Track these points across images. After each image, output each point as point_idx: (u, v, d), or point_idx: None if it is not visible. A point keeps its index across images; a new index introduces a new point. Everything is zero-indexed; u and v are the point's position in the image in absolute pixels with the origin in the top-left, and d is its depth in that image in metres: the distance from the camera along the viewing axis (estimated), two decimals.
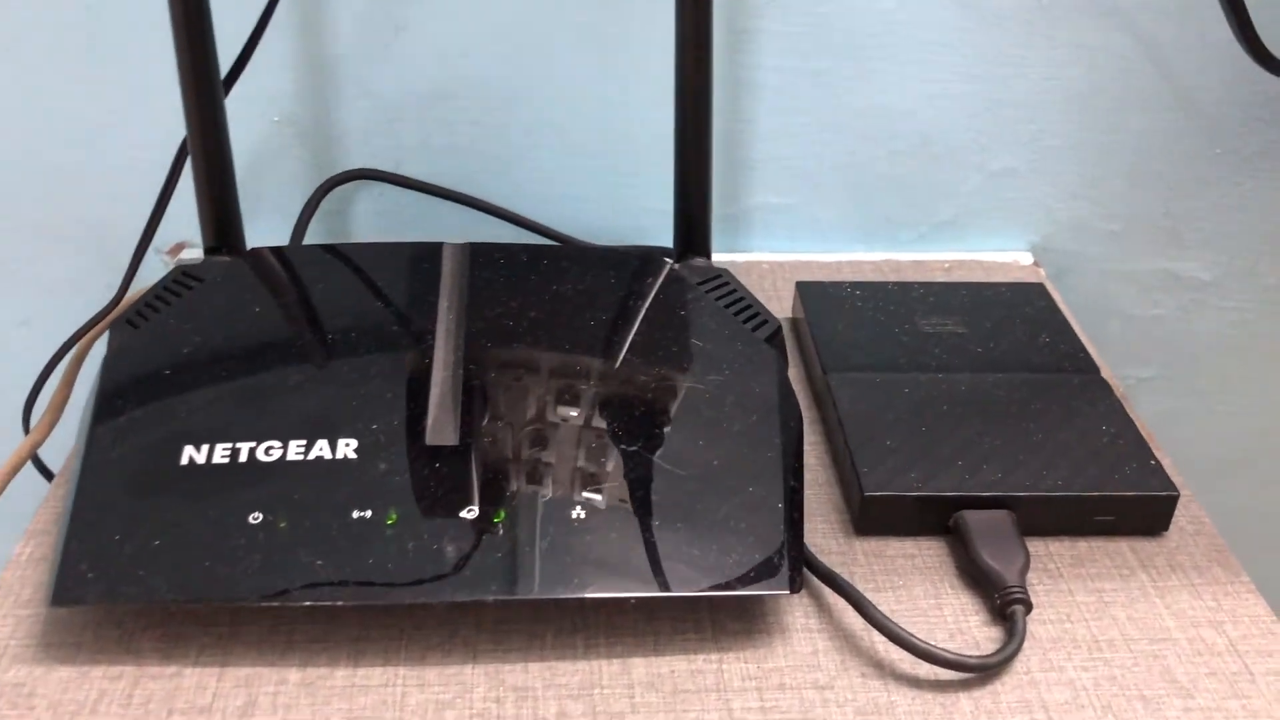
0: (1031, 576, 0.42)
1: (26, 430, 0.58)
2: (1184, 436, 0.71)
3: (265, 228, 0.59)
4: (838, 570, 0.42)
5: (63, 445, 0.67)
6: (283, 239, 0.58)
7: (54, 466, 0.60)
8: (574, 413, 0.42)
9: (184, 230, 0.60)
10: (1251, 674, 0.39)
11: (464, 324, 0.45)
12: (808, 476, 0.47)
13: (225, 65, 0.51)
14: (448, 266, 0.48)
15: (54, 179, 0.59)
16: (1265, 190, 0.62)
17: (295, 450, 0.40)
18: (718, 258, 0.57)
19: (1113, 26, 0.56)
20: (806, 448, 0.48)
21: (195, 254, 0.60)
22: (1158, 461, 0.45)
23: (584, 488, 0.40)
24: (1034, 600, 0.41)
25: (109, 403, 0.42)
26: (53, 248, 0.61)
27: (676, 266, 0.50)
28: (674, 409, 0.43)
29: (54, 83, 0.56)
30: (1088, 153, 0.60)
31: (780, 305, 0.58)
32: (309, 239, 0.58)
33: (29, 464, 0.56)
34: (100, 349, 0.57)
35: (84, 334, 0.55)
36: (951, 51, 0.57)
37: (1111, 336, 0.66)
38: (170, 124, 0.56)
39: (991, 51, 0.57)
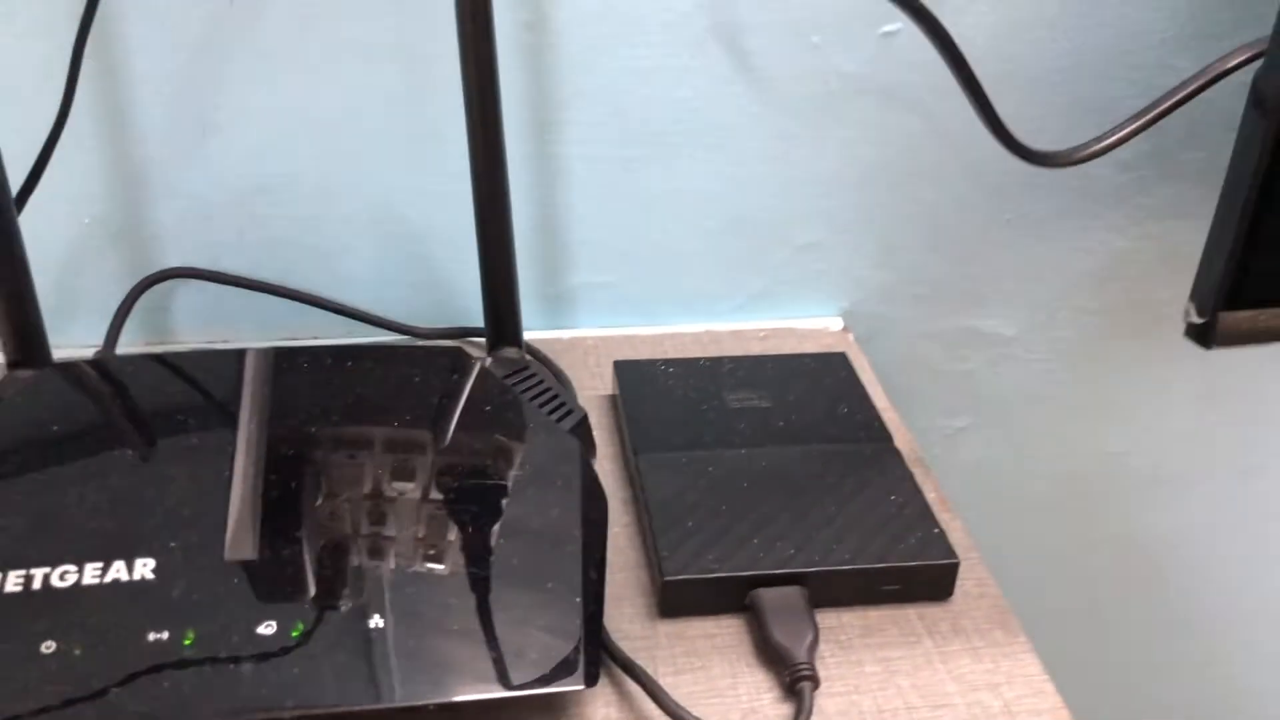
0: (824, 648, 0.44)
1: None
2: (1001, 482, 0.74)
3: (83, 330, 0.59)
4: (641, 654, 0.43)
5: None
6: (100, 340, 0.58)
7: None
8: (376, 523, 0.43)
9: None
10: None
11: (265, 432, 0.46)
12: (620, 559, 0.48)
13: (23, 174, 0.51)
14: (250, 373, 0.48)
15: None
16: (1054, 251, 0.66)
17: (91, 574, 0.41)
18: (543, 336, 0.59)
19: (897, 106, 0.60)
20: (620, 529, 0.50)
21: None
22: (941, 530, 0.48)
23: (381, 599, 0.41)
24: (823, 673, 0.43)
25: None
26: None
27: (485, 361, 0.51)
28: (475, 511, 0.44)
29: None
30: (886, 223, 0.63)
31: (603, 382, 0.60)
32: (129, 338, 0.58)
33: None
34: None
35: None
36: (748, 135, 0.59)
37: (925, 391, 0.70)
38: None
39: (786, 133, 0.60)
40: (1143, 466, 0.76)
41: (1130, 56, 0.60)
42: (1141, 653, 0.86)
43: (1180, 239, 0.67)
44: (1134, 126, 0.51)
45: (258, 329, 0.60)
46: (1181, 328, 0.69)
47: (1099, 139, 0.51)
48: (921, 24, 0.43)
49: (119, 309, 0.57)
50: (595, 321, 0.65)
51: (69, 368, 0.49)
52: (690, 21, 0.56)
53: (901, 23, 0.57)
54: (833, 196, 0.62)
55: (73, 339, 0.59)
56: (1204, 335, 0.53)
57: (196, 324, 0.60)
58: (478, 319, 0.62)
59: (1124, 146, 0.62)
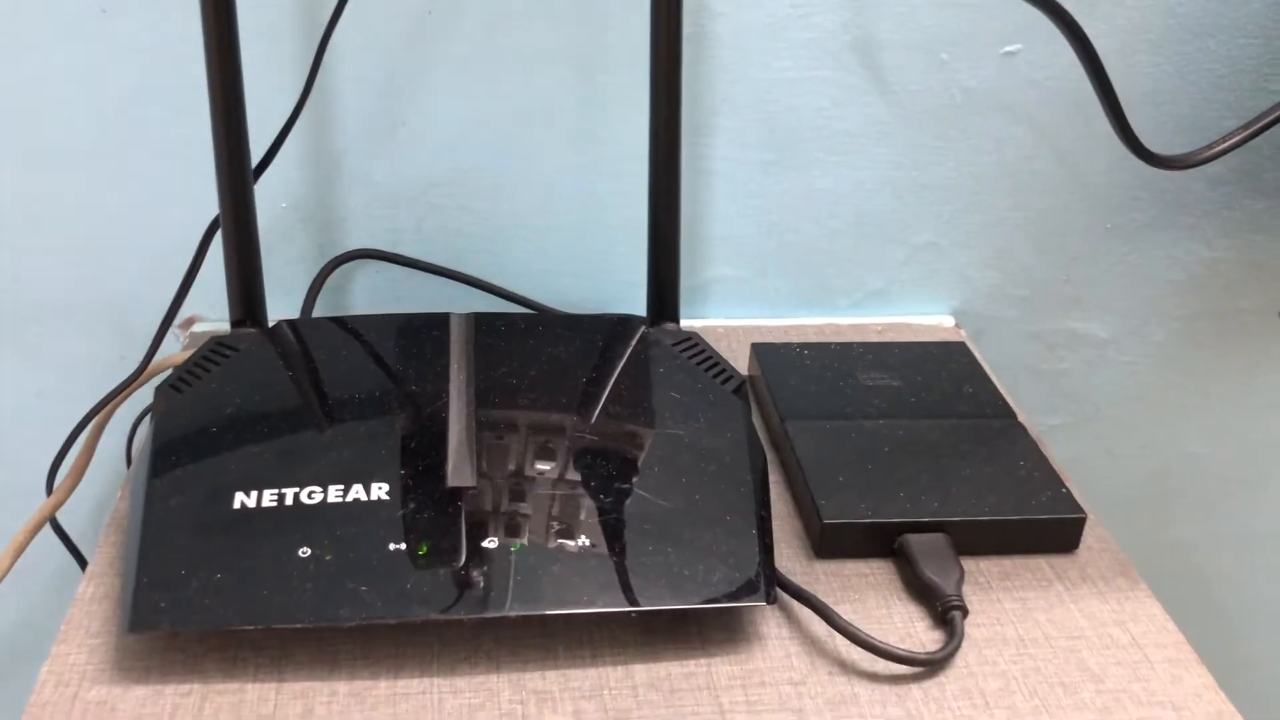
0: (966, 588, 0.50)
1: (49, 493, 0.63)
2: (1089, 477, 0.79)
3: (273, 303, 0.65)
4: (804, 587, 0.49)
5: (79, 508, 0.72)
6: (291, 313, 0.64)
7: (70, 529, 0.65)
8: (574, 459, 0.49)
9: (189, 307, 0.66)
10: (1150, 662, 0.47)
11: (473, 382, 0.52)
12: (773, 511, 0.54)
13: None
14: (455, 333, 0.55)
15: (69, 259, 0.64)
16: (1149, 259, 0.71)
17: (335, 494, 0.46)
18: (682, 324, 0.65)
19: (1014, 120, 0.66)
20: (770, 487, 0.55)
21: (205, 328, 0.66)
22: (1068, 490, 0.53)
23: (585, 523, 0.46)
24: (969, 607, 0.48)
25: (164, 457, 0.48)
26: (67, 323, 0.66)
27: (651, 331, 0.57)
28: (659, 455, 0.50)
29: (79, 171, 0.62)
30: (997, 229, 0.69)
31: (737, 364, 0.65)
32: (315, 314, 0.64)
33: (47, 527, 0.61)
34: (118, 419, 0.62)
35: (106, 404, 0.61)
36: (878, 143, 0.65)
37: (1024, 389, 0.75)
38: (174, 211, 0.62)
39: (912, 142, 0.66)
40: (1224, 469, 0.81)
41: (1226, 80, 0.66)
42: (1217, 652, 0.90)
43: (1265, 250, 0.72)
44: (1241, 136, 0.57)
45: (424, 309, 0.67)
46: (1264, 336, 0.74)
47: (1209, 146, 0.56)
48: (1068, 33, 0.49)
49: (313, 283, 0.63)
50: (725, 313, 0.70)
51: (295, 325, 0.55)
52: (833, 38, 0.62)
53: (1022, 44, 0.63)
54: (949, 202, 0.68)
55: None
56: None
57: (370, 302, 0.67)
58: (627, 305, 0.68)
59: (1216, 164, 0.67)
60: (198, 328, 0.66)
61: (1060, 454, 0.78)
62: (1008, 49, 0.63)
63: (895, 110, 0.65)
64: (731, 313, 0.70)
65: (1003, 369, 0.74)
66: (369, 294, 0.66)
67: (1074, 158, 0.67)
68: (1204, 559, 0.85)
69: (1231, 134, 0.57)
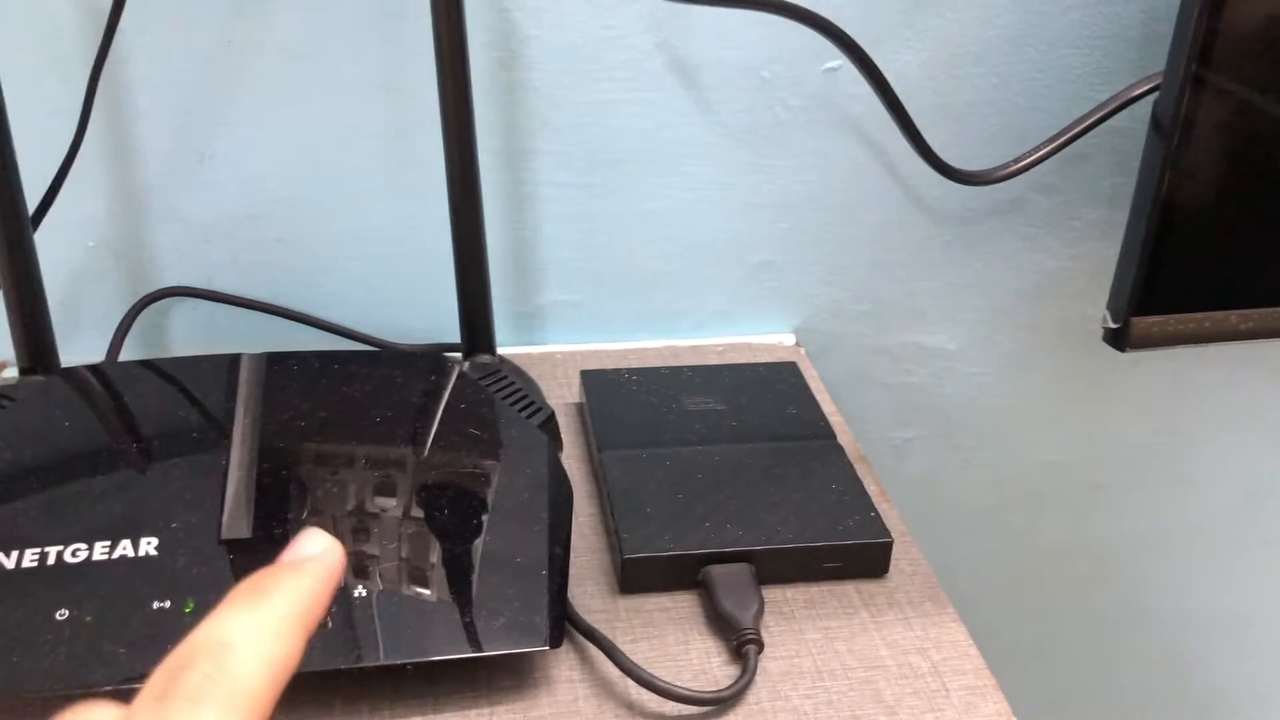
0: (769, 619, 0.49)
1: None
2: (946, 489, 0.79)
3: (86, 345, 0.63)
4: (602, 625, 0.48)
5: None
6: (103, 355, 0.62)
7: None
8: (359, 506, 0.48)
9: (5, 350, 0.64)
10: (947, 690, 0.46)
11: (258, 427, 0.50)
12: (585, 545, 0.53)
13: (36, 198, 0.56)
14: (244, 375, 0.53)
15: None
16: (991, 270, 0.71)
17: (100, 550, 0.45)
18: (515, 351, 0.64)
19: (840, 136, 0.65)
20: (586, 519, 0.54)
21: (11, 374, 0.64)
22: (877, 513, 0.52)
23: (365, 570, 0.45)
24: (767, 640, 0.48)
25: None
26: None
27: (461, 365, 0.56)
28: (451, 495, 0.48)
29: None
30: (833, 245, 0.68)
31: (570, 391, 0.64)
32: (128, 353, 0.62)
33: None
34: None
35: None
36: (704, 163, 0.65)
37: (874, 404, 0.74)
38: None
39: (738, 161, 0.65)
40: (1079, 475, 0.81)
41: (1051, 90, 0.65)
42: (1079, 655, 0.90)
43: (1106, 260, 0.72)
44: (1048, 149, 0.57)
45: (248, 345, 0.65)
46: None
47: (1016, 160, 0.56)
48: (855, 61, 0.48)
49: (120, 324, 0.61)
50: (564, 338, 0.69)
51: (77, 372, 0.53)
52: (650, 58, 0.61)
53: (841, 60, 0.63)
54: (783, 220, 0.67)
55: (76, 353, 0.63)
56: (1119, 339, 0.58)
57: (191, 340, 0.65)
58: (451, 335, 0.67)
59: (1052, 174, 0.67)
60: (7, 372, 0.64)
61: (916, 467, 0.78)
62: (828, 65, 0.63)
63: (719, 129, 0.64)
64: (568, 338, 0.69)
65: (850, 385, 0.73)
66: (187, 331, 0.65)
67: (904, 172, 0.67)
68: (1066, 564, 0.85)
69: (1039, 146, 0.56)
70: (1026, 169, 0.56)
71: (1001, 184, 0.68)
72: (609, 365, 0.67)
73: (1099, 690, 0.91)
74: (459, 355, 0.58)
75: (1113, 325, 0.59)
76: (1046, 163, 0.65)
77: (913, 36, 0.63)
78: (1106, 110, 0.56)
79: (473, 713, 0.44)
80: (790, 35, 0.62)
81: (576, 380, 0.65)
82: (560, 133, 0.63)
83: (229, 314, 0.64)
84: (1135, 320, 0.58)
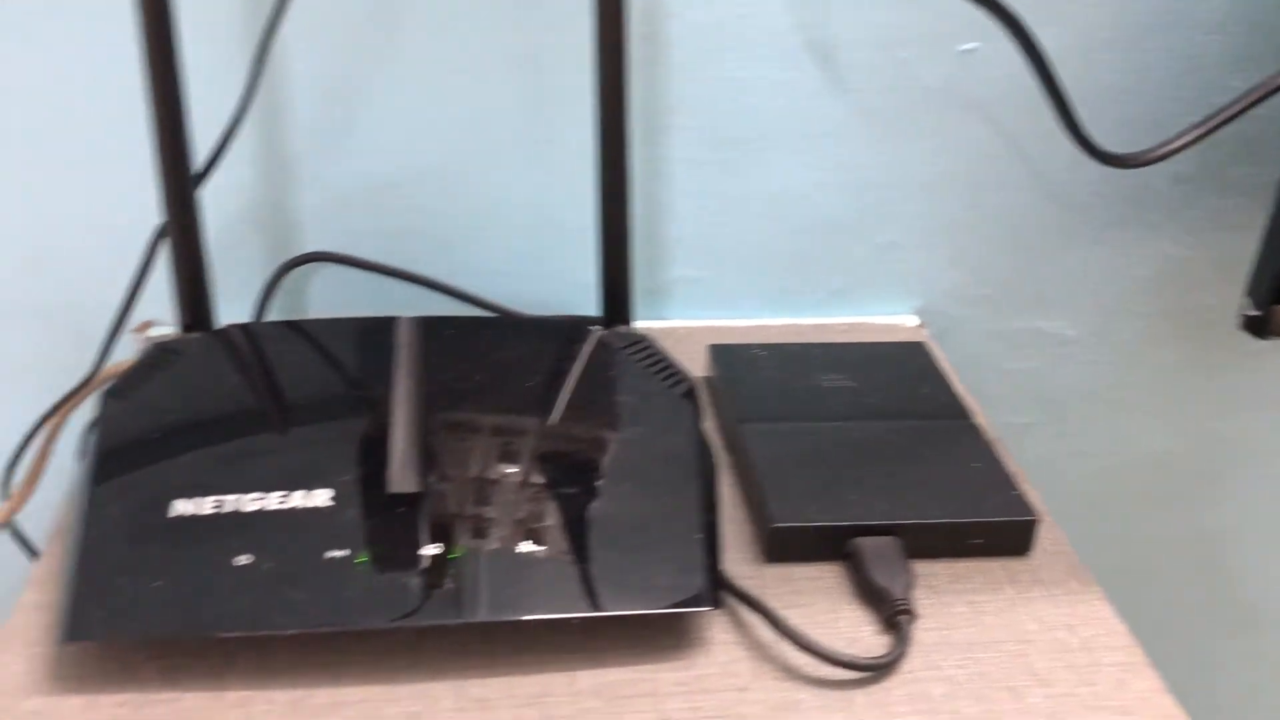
0: (916, 593, 0.49)
1: (3, 499, 0.62)
2: (1057, 477, 0.79)
3: (227, 308, 0.65)
4: (750, 591, 0.48)
5: (38, 511, 0.71)
6: (245, 317, 0.63)
7: (29, 532, 0.65)
8: (515, 465, 0.49)
9: (148, 310, 0.66)
10: (1099, 666, 0.46)
11: (419, 387, 0.51)
12: (724, 515, 0.53)
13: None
14: (402, 337, 0.54)
15: (27, 263, 0.64)
16: (1114, 257, 0.71)
17: (275, 500, 0.46)
18: (640, 325, 0.64)
19: (973, 119, 0.65)
20: (721, 490, 0.55)
21: (161, 332, 0.66)
22: (1019, 492, 0.52)
23: (527, 529, 0.46)
24: (918, 612, 0.48)
25: (105, 464, 0.47)
26: (23, 327, 0.66)
27: (603, 334, 0.57)
28: (604, 459, 0.49)
29: (33, 174, 0.61)
30: (959, 228, 0.69)
31: (696, 366, 0.65)
32: (270, 317, 0.64)
33: (4, 531, 0.60)
34: (74, 422, 0.62)
35: (59, 409, 0.60)
36: (836, 143, 0.65)
37: (990, 388, 0.75)
38: (136, 213, 0.62)
39: (871, 142, 0.65)
40: (1192, 466, 0.81)
41: (1187, 77, 0.65)
42: (1186, 650, 0.89)
43: (1229, 249, 0.72)
44: (1196, 134, 0.57)
45: (384, 311, 0.66)
46: (1230, 331, 0.74)
47: (1164, 144, 0.56)
48: (1014, 34, 0.48)
49: (265, 287, 0.62)
50: (687, 314, 0.70)
51: (237, 330, 0.55)
52: (787, 37, 0.62)
53: (979, 42, 0.63)
54: (911, 201, 0.67)
55: (220, 316, 0.64)
56: (1259, 327, 0.58)
57: (328, 305, 0.66)
58: (584, 307, 0.68)
59: (1179, 162, 0.67)
60: (155, 331, 0.66)
61: (1028, 453, 0.78)
62: (965, 47, 0.63)
63: (853, 109, 0.64)
64: (692, 314, 0.70)
65: (968, 368, 0.74)
66: (324, 296, 0.66)
67: (1035, 155, 0.67)
68: (1172, 556, 0.85)
69: (1185, 132, 0.56)
70: (1172, 154, 0.56)
71: (1130, 172, 0.68)
72: (731, 341, 0.67)
73: (1205, 687, 0.90)
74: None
75: (1254, 313, 0.59)
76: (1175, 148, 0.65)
77: (1049, 20, 0.62)
78: (1255, 97, 0.56)
79: (634, 670, 0.45)
80: (928, 17, 0.62)
81: (700, 355, 0.66)
82: (695, 110, 0.63)
83: (366, 280, 0.65)
84: (1276, 307, 0.58)
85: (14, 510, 0.59)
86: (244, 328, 0.55)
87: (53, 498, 0.71)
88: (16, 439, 0.63)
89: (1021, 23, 0.49)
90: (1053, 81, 0.52)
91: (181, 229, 0.53)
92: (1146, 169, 0.68)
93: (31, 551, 0.65)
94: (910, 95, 0.64)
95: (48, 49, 0.58)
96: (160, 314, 0.66)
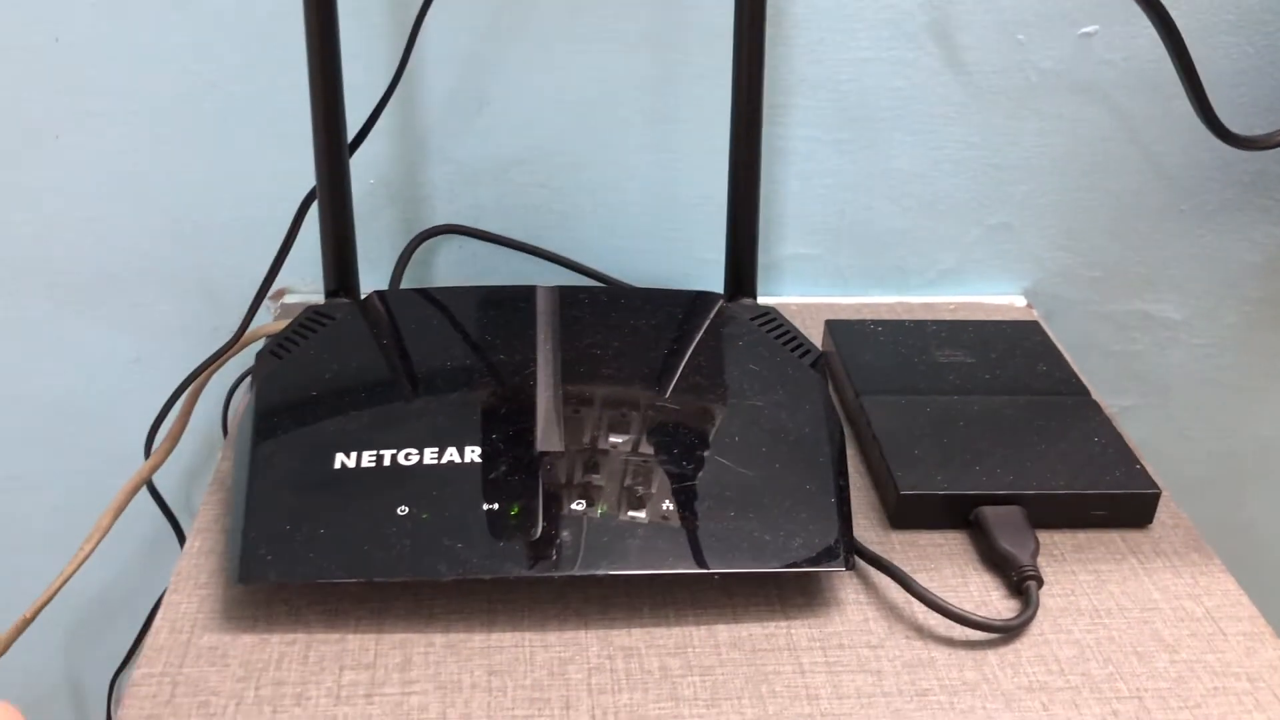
0: (1040, 560, 0.50)
1: (146, 456, 0.65)
2: (1161, 459, 0.79)
3: (363, 276, 0.67)
4: (881, 555, 0.50)
5: (175, 471, 0.74)
6: (379, 286, 0.66)
7: (165, 491, 0.68)
8: (657, 428, 0.50)
9: (280, 279, 0.68)
10: (1224, 634, 0.47)
11: (559, 353, 0.54)
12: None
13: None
14: (542, 306, 0.56)
15: (167, 230, 0.67)
16: (1223, 241, 0.71)
17: (430, 456, 0.48)
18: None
19: (1089, 101, 0.66)
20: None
21: (295, 299, 0.69)
22: (1142, 466, 0.53)
23: (669, 488, 0.48)
24: (1044, 579, 0.49)
25: (266, 420, 0.50)
26: (162, 292, 0.69)
27: (729, 306, 0.59)
28: (741, 424, 0.51)
29: (175, 145, 0.64)
30: (1070, 209, 0.69)
31: (811, 341, 0.66)
32: (402, 286, 0.66)
33: (144, 489, 0.63)
34: (212, 386, 0.65)
35: (202, 371, 0.63)
36: (953, 123, 0.66)
37: (1096, 370, 0.75)
38: (269, 184, 0.65)
39: (987, 123, 0.66)
40: None
41: None
42: None
43: None
44: None
45: (504, 282, 0.68)
46: None
47: None
48: (1150, 12, 0.49)
49: (400, 256, 0.65)
50: (798, 290, 0.72)
51: (385, 295, 0.57)
52: (909, 19, 0.63)
53: (1099, 24, 0.64)
54: (1023, 182, 0.68)
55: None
56: None
57: (454, 276, 0.69)
58: (701, 282, 0.70)
59: None
60: (288, 299, 0.69)
61: (1133, 435, 0.78)
62: (1085, 30, 0.64)
63: (971, 91, 0.65)
64: (805, 290, 0.71)
65: (1074, 349, 0.74)
66: (451, 267, 0.68)
67: (1149, 139, 0.67)
68: (1276, 540, 0.85)
69: None
70: None
71: (1244, 156, 0.68)
72: (844, 317, 0.69)
73: None
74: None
75: None
76: None
77: (1172, 3, 0.63)
78: None
79: (771, 625, 0.46)
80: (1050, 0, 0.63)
81: (816, 331, 0.67)
82: (816, 89, 0.65)
83: (490, 253, 0.68)
84: None
85: (154, 469, 0.62)
86: (387, 294, 0.58)
87: (186, 458, 0.74)
88: (154, 402, 0.66)
89: (1160, 2, 0.50)
90: (1185, 55, 0.52)
91: (333, 196, 0.56)
92: (1262, 154, 0.68)
93: (166, 510, 0.68)
94: (1027, 77, 0.65)
95: (199, 19, 0.60)
96: (294, 283, 0.69)
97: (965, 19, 0.63)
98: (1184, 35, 0.63)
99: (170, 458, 0.64)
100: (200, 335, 0.70)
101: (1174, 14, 0.62)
